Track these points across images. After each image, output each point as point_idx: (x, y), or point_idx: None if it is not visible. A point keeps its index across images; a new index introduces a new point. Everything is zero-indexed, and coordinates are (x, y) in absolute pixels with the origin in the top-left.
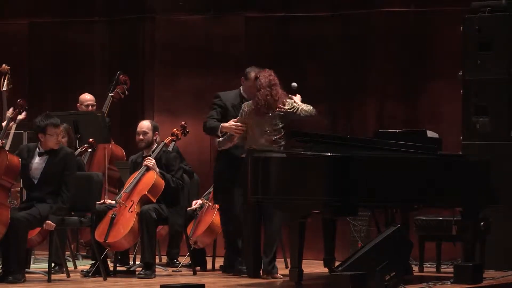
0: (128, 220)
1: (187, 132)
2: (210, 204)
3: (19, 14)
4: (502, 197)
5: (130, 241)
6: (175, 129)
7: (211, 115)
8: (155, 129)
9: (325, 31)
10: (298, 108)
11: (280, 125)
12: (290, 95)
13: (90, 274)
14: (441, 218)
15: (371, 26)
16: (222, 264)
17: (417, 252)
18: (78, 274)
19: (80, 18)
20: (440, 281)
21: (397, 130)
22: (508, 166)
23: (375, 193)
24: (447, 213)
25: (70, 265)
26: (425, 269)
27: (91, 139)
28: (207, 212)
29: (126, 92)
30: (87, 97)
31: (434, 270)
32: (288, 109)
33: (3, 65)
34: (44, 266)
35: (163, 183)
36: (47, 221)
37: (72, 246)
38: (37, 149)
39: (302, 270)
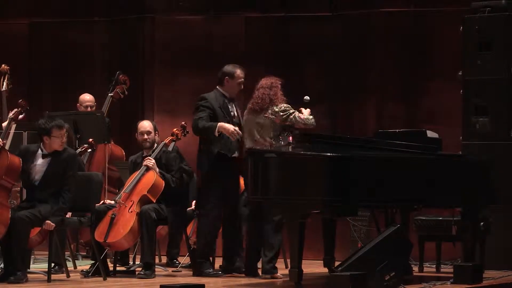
0: (128, 220)
1: (187, 132)
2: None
3: (19, 14)
4: (502, 197)
5: (130, 241)
6: (175, 129)
7: (200, 117)
8: (155, 129)
9: (325, 31)
10: (290, 113)
11: (271, 128)
12: (300, 108)
13: (90, 274)
14: (441, 218)
15: (371, 26)
16: (221, 264)
17: (417, 252)
18: (78, 274)
19: (80, 18)
20: (440, 281)
21: (397, 130)
22: (508, 166)
23: (375, 193)
24: (447, 213)
25: (70, 265)
26: (425, 269)
27: (90, 139)
28: None
29: (126, 92)
30: (86, 98)
31: (434, 270)
32: (280, 111)
33: (3, 65)
34: (44, 266)
35: (163, 183)
36: (47, 221)
37: (72, 246)
38: (40, 150)
39: (302, 270)
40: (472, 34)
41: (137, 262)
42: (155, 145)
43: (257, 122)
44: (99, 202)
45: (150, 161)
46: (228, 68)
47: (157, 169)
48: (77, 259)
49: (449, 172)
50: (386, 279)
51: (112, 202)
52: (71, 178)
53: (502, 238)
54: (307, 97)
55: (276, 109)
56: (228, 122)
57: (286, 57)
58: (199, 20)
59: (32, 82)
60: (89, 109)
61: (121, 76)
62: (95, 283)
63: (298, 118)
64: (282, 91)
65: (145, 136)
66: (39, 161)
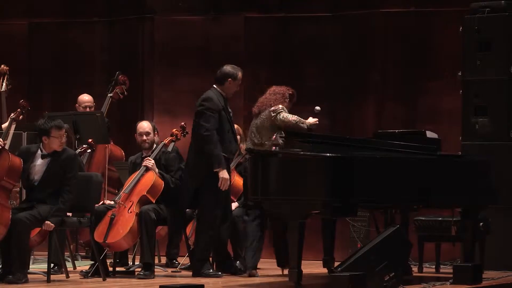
0: (127, 220)
1: (187, 132)
2: None
3: (19, 14)
4: (502, 197)
5: (129, 242)
6: (175, 130)
7: (213, 125)
8: (154, 129)
9: (325, 31)
10: (278, 113)
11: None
12: (310, 117)
13: (89, 275)
14: (440, 219)
15: (371, 26)
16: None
17: (417, 252)
18: (77, 274)
19: (79, 18)
20: (439, 282)
21: (396, 131)
22: (507, 166)
23: (375, 193)
24: (447, 214)
25: (69, 265)
26: (425, 270)
27: (90, 140)
28: None
29: (125, 93)
30: (85, 98)
31: (434, 270)
32: (272, 111)
33: (2, 66)
34: (44, 266)
35: (162, 183)
36: (46, 222)
37: (72, 246)
38: (39, 151)
39: (302, 271)
40: (472, 35)
41: (137, 262)
42: (155, 145)
43: (255, 124)
44: (99, 203)
45: (150, 162)
46: (230, 69)
47: (157, 170)
48: (76, 260)
49: (448, 173)
50: (385, 279)
51: (112, 202)
52: (71, 179)
53: (501, 238)
54: (317, 107)
55: (272, 109)
56: (230, 125)
57: (285, 58)
58: (199, 20)
59: (32, 82)
60: (87, 109)
61: (120, 76)
62: (95, 284)
63: (281, 118)
64: (288, 101)
65: (144, 137)
66: (39, 161)
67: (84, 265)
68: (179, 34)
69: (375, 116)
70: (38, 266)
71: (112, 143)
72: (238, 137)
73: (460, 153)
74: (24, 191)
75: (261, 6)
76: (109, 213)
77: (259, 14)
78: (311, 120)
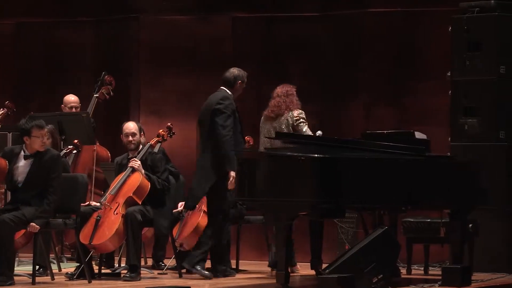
0: (113, 222)
1: (173, 133)
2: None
3: (5, 14)
4: (491, 198)
5: (115, 243)
6: (161, 130)
7: (231, 126)
8: (140, 130)
9: (313, 32)
10: (302, 123)
11: (285, 130)
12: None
13: (74, 277)
14: (429, 220)
15: (359, 27)
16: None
17: (405, 254)
18: (63, 276)
19: (66, 18)
20: (428, 284)
21: (385, 131)
22: (496, 167)
23: (363, 194)
24: (435, 215)
25: (54, 267)
26: (413, 272)
27: (75, 140)
28: (193, 214)
29: (111, 93)
30: (71, 99)
31: (422, 272)
32: (295, 117)
33: None
34: (29, 268)
35: (148, 184)
36: (31, 224)
37: (57, 248)
38: (22, 152)
39: (289, 272)
40: (461, 35)
41: (123, 264)
42: (141, 146)
43: (273, 127)
44: (84, 204)
45: (136, 163)
46: (239, 72)
47: (143, 171)
48: (62, 262)
49: (437, 174)
50: (374, 281)
51: (98, 204)
52: (55, 180)
53: (490, 240)
54: (319, 132)
55: (295, 114)
56: (241, 126)
57: (274, 58)
58: (186, 20)
59: (19, 82)
60: (73, 110)
61: (106, 76)
62: (80, 286)
63: (300, 128)
64: (297, 98)
65: (130, 138)
66: (22, 162)
67: (69, 267)
68: (166, 34)
69: (364, 117)
70: (23, 268)
71: (98, 144)
72: None
73: (449, 154)
74: (8, 193)
75: (248, 6)
76: (95, 215)
77: (247, 14)
78: (318, 133)
